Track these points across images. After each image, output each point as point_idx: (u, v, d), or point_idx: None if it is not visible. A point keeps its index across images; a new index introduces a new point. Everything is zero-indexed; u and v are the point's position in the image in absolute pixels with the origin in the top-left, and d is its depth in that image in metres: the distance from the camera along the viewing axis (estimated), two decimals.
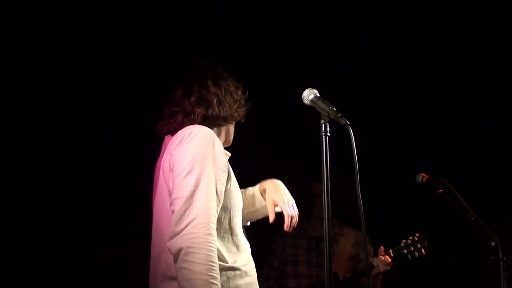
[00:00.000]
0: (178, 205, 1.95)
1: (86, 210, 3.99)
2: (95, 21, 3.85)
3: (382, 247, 3.63)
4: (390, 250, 3.61)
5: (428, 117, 4.44)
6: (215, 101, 2.16)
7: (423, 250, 3.58)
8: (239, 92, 2.26)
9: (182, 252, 1.89)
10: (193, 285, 1.87)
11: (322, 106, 2.02)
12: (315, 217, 4.08)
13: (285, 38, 4.30)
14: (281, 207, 2.30)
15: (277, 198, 2.31)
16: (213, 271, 1.89)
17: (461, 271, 4.50)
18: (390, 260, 3.57)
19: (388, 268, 3.58)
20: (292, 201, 2.32)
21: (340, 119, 1.97)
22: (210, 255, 1.90)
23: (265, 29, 4.23)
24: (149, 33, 4.01)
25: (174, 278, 1.96)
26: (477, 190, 3.91)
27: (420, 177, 3.22)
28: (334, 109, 2.00)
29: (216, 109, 2.16)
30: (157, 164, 2.22)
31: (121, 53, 3.94)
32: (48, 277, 3.90)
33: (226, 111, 2.18)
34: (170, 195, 2.04)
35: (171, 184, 2.04)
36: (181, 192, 1.96)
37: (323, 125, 2.00)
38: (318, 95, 2.08)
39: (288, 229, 2.26)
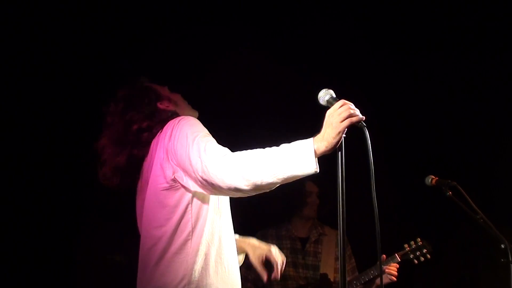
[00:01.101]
0: (196, 165, 2.09)
1: (97, 214, 4.01)
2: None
3: (384, 256, 3.65)
4: (396, 255, 3.64)
5: (437, 119, 4.43)
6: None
7: (428, 255, 3.64)
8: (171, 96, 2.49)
9: (231, 172, 2.02)
10: (257, 165, 1.99)
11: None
12: (302, 216, 4.05)
13: (300, 35, 4.31)
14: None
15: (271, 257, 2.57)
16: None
17: (470, 273, 4.49)
18: (395, 270, 3.60)
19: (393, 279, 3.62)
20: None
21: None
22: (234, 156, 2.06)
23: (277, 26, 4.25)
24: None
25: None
26: (486, 192, 3.90)
27: (430, 179, 3.21)
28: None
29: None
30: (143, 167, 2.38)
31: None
32: (59, 278, 3.93)
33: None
34: (166, 184, 2.20)
35: (170, 172, 2.18)
36: (195, 157, 2.10)
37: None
38: (334, 95, 2.06)
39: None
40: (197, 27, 4.14)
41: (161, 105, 2.44)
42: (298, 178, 1.99)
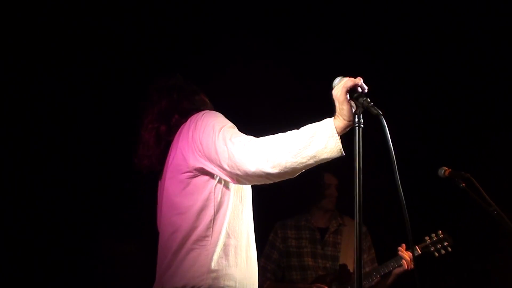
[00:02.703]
0: (223, 154, 2.10)
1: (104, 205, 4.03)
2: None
3: (404, 245, 3.65)
4: (417, 247, 3.64)
5: (451, 111, 4.40)
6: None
7: (449, 248, 3.65)
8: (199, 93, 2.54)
9: (263, 161, 2.02)
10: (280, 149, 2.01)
11: (356, 96, 1.96)
12: (320, 208, 4.04)
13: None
14: None
15: None
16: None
17: (483, 265, 4.47)
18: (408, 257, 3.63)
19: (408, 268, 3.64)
20: None
21: (373, 109, 1.92)
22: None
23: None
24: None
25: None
26: (500, 184, 3.87)
27: (443, 171, 3.18)
28: (368, 99, 1.94)
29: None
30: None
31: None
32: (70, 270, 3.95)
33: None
34: (189, 172, 2.21)
35: (194, 161, 2.20)
36: (221, 146, 2.11)
37: (356, 115, 1.94)
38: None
39: None
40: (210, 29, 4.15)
41: (204, 97, 2.52)
42: (324, 159, 1.98)
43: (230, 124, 2.22)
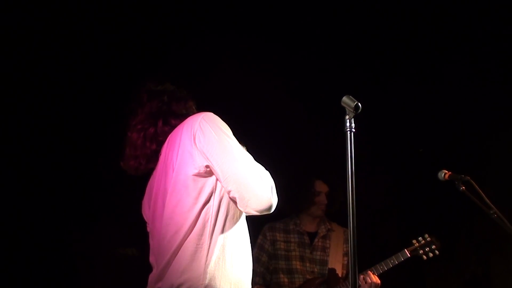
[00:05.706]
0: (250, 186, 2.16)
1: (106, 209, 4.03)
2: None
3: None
4: (406, 250, 3.69)
5: (451, 113, 4.40)
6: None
7: (437, 251, 3.73)
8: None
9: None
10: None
11: (347, 101, 1.99)
12: (309, 214, 4.04)
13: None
14: None
15: None
16: None
17: (483, 268, 4.47)
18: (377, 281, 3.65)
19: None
20: None
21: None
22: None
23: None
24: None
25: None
26: (500, 187, 3.87)
27: (443, 174, 3.18)
28: (360, 105, 1.96)
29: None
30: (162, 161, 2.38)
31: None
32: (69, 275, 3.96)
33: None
34: (195, 170, 2.20)
35: (200, 160, 2.19)
36: (250, 178, 2.17)
37: (348, 120, 1.96)
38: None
39: None
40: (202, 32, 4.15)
41: (192, 104, 2.51)
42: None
43: (236, 141, 2.25)
